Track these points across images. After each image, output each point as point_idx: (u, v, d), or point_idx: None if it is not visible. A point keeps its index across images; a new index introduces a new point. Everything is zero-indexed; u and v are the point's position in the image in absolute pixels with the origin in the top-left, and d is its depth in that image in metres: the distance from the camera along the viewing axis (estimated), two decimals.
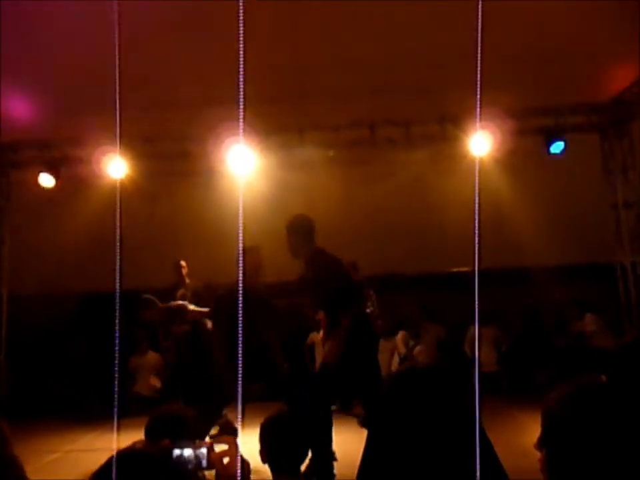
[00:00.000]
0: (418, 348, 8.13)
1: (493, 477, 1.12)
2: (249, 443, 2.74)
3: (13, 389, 7.93)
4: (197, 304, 7.77)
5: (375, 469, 1.16)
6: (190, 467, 1.70)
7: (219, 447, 1.91)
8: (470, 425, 1.14)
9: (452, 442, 1.12)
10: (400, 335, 8.36)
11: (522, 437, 5.23)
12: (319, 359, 8.13)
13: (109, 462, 1.36)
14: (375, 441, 1.20)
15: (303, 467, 2.72)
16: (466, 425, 1.14)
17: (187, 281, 7.94)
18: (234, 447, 1.99)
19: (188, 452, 1.73)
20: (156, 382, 8.42)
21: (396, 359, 8.23)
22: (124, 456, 1.39)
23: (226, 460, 1.87)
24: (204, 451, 1.77)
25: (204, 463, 1.74)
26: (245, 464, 2.11)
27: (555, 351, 7.83)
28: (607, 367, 1.81)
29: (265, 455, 2.60)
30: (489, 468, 1.13)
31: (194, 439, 2.63)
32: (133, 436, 2.30)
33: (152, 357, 8.54)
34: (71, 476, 4.63)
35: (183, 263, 7.94)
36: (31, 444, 5.12)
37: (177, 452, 1.69)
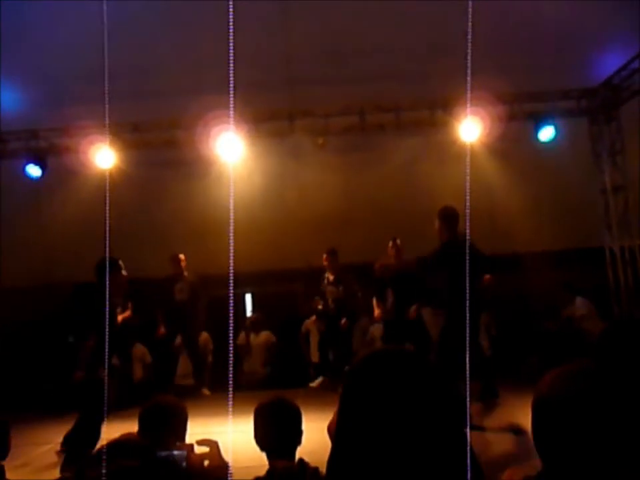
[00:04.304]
0: None
1: (462, 461, 1.13)
2: (244, 431, 2.75)
3: (2, 381, 7.90)
4: (193, 297, 7.79)
5: (347, 451, 1.16)
6: (169, 468, 1.68)
7: (200, 450, 1.91)
8: (440, 409, 1.15)
9: (420, 425, 1.12)
10: None
11: (513, 421, 5.29)
12: (313, 345, 8.19)
13: (95, 452, 1.37)
14: (343, 425, 1.19)
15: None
16: (436, 409, 1.14)
17: (185, 274, 7.88)
18: (215, 450, 1.99)
19: (168, 453, 1.70)
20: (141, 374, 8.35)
21: None
22: (111, 447, 1.39)
23: (206, 463, 1.86)
24: (184, 453, 1.75)
25: (183, 464, 1.73)
26: (224, 466, 2.12)
27: (545, 336, 7.89)
28: (593, 351, 1.83)
29: (260, 441, 2.61)
30: (458, 453, 1.13)
31: (185, 430, 2.64)
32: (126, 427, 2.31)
33: (139, 348, 8.47)
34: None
35: (181, 256, 7.86)
36: (22, 436, 5.11)
37: (157, 453, 1.66)
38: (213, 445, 2.14)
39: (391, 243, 7.16)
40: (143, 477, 1.41)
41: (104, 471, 1.31)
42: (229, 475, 2.03)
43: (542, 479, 1.22)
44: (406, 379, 1.15)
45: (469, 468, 1.08)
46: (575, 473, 1.13)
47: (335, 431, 1.19)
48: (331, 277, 7.67)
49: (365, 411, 1.13)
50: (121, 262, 5.61)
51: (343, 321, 7.55)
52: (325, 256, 7.63)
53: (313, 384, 7.62)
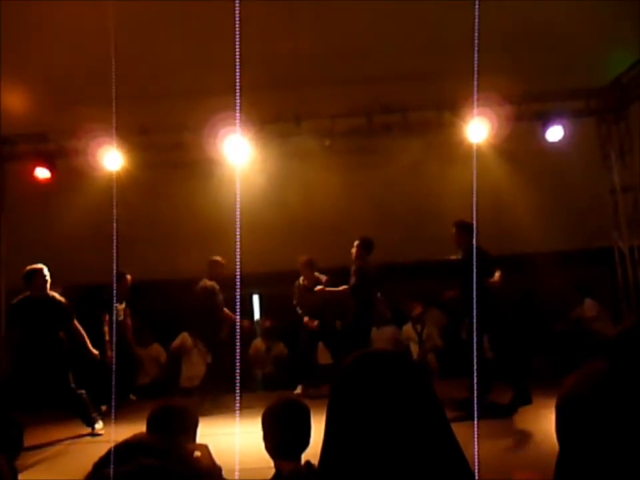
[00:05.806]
0: (425, 331, 8.38)
1: (452, 461, 1.13)
2: (251, 432, 2.75)
3: (15, 380, 7.92)
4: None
5: (336, 450, 1.17)
6: (185, 468, 1.70)
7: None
8: (429, 410, 1.16)
9: (409, 425, 1.13)
10: (408, 325, 8.55)
11: (522, 422, 5.27)
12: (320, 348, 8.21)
13: (109, 452, 1.37)
14: (333, 423, 1.21)
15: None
16: (425, 410, 1.15)
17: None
18: (206, 453, 2.00)
19: (182, 454, 1.72)
20: (156, 373, 8.42)
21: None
22: (124, 447, 1.39)
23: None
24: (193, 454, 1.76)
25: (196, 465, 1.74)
26: (216, 469, 2.12)
27: (554, 336, 7.85)
28: (606, 353, 1.81)
29: (270, 443, 2.60)
30: (447, 451, 1.14)
31: (195, 433, 2.65)
32: (139, 426, 2.31)
33: (155, 348, 8.53)
34: (74, 467, 4.66)
35: (221, 259, 7.36)
36: (34, 435, 5.14)
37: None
38: (204, 448, 2.15)
39: (356, 243, 7.15)
40: (165, 477, 1.41)
41: (125, 470, 1.31)
42: (222, 476, 2.04)
43: None
44: (393, 379, 1.17)
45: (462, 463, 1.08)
46: (599, 474, 1.12)
47: (325, 428, 1.21)
48: (308, 285, 7.67)
49: (353, 410, 1.15)
50: None
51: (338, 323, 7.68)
52: (301, 265, 7.65)
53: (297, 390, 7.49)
